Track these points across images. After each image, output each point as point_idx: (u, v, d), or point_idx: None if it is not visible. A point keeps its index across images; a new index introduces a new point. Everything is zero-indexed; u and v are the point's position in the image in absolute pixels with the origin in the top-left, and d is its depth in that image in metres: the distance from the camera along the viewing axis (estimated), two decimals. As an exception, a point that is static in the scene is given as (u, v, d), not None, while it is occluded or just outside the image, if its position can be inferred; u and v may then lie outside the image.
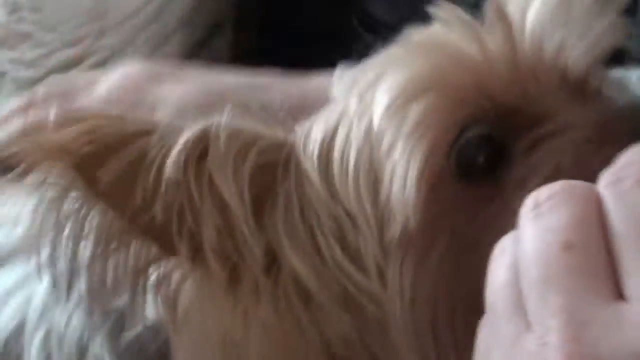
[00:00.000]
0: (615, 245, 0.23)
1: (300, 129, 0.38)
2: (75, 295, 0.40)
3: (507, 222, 0.31)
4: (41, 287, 0.45)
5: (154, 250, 0.36)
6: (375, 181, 0.34)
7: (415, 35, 0.39)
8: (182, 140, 0.35)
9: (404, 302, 0.34)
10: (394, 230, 0.34)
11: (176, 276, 0.36)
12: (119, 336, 0.41)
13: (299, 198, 0.36)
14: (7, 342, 0.45)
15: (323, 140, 0.36)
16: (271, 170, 0.37)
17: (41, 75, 1.23)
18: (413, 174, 0.33)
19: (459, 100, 0.34)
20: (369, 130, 0.34)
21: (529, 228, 0.25)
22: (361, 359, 0.36)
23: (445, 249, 0.34)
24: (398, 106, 0.34)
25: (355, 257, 0.35)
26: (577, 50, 0.36)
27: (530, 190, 0.30)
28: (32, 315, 0.45)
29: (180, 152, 0.34)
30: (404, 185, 0.33)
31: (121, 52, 1.22)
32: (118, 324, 0.42)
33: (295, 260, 0.35)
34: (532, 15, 0.36)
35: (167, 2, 1.21)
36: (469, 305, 0.33)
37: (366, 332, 0.36)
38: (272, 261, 0.36)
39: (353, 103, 0.36)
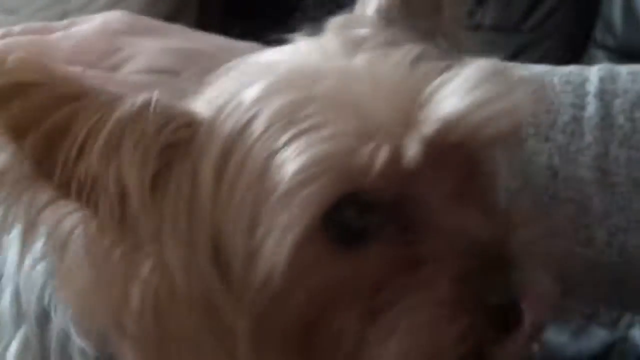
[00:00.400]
0: None
1: (211, 111, 0.38)
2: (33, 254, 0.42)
3: (358, 288, 0.36)
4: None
5: (52, 194, 0.36)
6: (256, 219, 0.35)
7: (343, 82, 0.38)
8: (111, 119, 0.35)
9: (249, 327, 0.36)
10: (258, 271, 0.35)
11: (69, 222, 0.36)
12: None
13: (191, 187, 0.37)
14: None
15: (225, 143, 0.36)
16: (178, 150, 0.37)
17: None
18: (288, 237, 0.34)
19: (347, 178, 0.35)
20: (266, 167, 0.35)
21: None
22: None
23: (303, 300, 0.36)
24: (298, 168, 0.34)
25: (222, 267, 0.36)
26: (481, 140, 0.38)
27: (387, 269, 0.36)
28: (9, 268, 0.46)
29: (107, 132, 0.35)
30: (278, 244, 0.34)
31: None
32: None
33: (169, 248, 0.36)
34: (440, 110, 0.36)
35: (130, -15, 1.21)
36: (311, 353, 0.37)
37: (217, 333, 0.37)
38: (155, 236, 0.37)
39: (261, 123, 0.36)
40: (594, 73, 0.52)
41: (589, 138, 0.49)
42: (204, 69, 0.42)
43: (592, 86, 0.50)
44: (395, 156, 0.34)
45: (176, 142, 0.36)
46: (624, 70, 0.52)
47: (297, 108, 0.35)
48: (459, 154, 0.37)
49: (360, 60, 0.38)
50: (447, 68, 0.37)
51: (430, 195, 0.37)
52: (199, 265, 0.36)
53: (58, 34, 0.56)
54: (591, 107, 0.49)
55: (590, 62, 1.20)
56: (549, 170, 0.50)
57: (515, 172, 0.48)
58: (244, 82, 0.38)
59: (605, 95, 0.50)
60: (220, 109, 0.37)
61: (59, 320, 0.43)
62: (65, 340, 0.43)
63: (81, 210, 0.36)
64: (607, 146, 0.48)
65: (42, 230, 0.37)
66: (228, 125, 0.36)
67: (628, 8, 1.25)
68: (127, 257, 0.36)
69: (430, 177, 0.36)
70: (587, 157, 0.48)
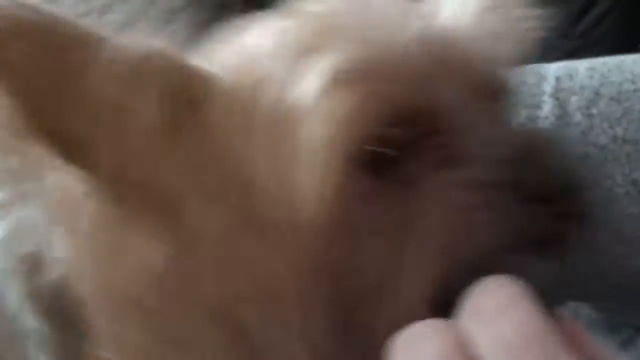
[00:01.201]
0: None
1: (228, 70, 0.37)
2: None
3: (398, 216, 0.35)
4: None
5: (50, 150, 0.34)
6: (290, 160, 0.35)
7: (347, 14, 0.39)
8: (124, 73, 0.33)
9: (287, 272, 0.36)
10: (300, 210, 0.35)
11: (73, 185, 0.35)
12: (33, 281, 0.41)
13: (215, 143, 0.36)
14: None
15: (245, 100, 0.36)
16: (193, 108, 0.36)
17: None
18: (328, 166, 0.34)
19: (379, 100, 0.35)
20: (295, 106, 0.35)
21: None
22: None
23: (344, 231, 0.36)
24: (329, 93, 0.34)
25: (255, 215, 0.36)
26: (485, 56, 0.39)
27: (426, 192, 0.35)
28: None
29: (119, 86, 0.33)
30: (317, 173, 0.34)
31: (126, 28, 1.25)
32: (34, 268, 0.41)
33: (194, 203, 0.35)
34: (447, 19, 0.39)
35: (175, -22, 1.24)
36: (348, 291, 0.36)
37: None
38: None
39: (281, 67, 0.36)
40: (551, 72, 0.52)
41: None
42: None
43: (548, 86, 0.51)
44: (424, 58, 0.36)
45: (190, 99, 0.36)
46: (583, 66, 0.53)
47: (321, 38, 0.36)
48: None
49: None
50: None
51: (458, 103, 0.37)
52: (229, 216, 0.35)
53: None
54: (547, 106, 0.50)
55: (638, 71, 1.19)
56: None
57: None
58: (257, 43, 0.38)
59: (561, 93, 0.50)
60: (239, 67, 0.37)
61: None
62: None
63: (87, 171, 0.35)
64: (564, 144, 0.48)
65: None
66: (249, 81, 0.36)
67: (679, 17, 1.23)
68: (139, 223, 0.35)
69: (454, 94, 0.37)
70: None
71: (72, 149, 0.34)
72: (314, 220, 0.35)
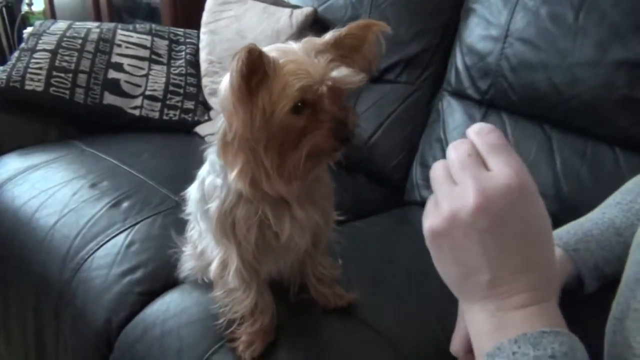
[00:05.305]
0: (482, 155, 0.60)
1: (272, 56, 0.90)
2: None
3: (298, 128, 0.92)
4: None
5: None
6: (277, 101, 0.89)
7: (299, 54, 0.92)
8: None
9: (265, 140, 0.92)
10: (273, 118, 0.90)
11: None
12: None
13: (262, 89, 0.89)
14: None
15: (277, 73, 0.89)
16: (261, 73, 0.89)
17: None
18: (285, 108, 0.89)
19: (303, 91, 0.89)
20: (285, 85, 0.89)
21: (452, 151, 0.61)
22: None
23: (284, 130, 0.91)
24: (295, 87, 0.89)
25: (264, 120, 0.90)
26: (338, 84, 0.92)
27: (310, 123, 0.92)
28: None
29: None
30: (281, 110, 0.89)
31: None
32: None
33: (244, 113, 0.88)
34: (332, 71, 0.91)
35: None
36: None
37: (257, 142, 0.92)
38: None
39: (285, 71, 0.90)
40: None
41: None
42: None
43: None
44: (318, 88, 0.90)
45: (259, 68, 0.87)
46: None
47: (297, 70, 0.90)
48: (337, 92, 0.93)
49: (316, 57, 0.93)
50: (337, 66, 0.93)
51: (326, 102, 0.92)
52: (257, 118, 0.88)
53: None
54: None
55: None
56: None
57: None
58: (283, 51, 0.93)
59: None
60: (275, 57, 0.90)
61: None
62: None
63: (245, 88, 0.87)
64: None
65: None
66: (277, 65, 0.89)
67: None
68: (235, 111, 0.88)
69: (328, 96, 0.92)
70: None
71: (248, 87, 0.87)
72: (278, 118, 0.89)
